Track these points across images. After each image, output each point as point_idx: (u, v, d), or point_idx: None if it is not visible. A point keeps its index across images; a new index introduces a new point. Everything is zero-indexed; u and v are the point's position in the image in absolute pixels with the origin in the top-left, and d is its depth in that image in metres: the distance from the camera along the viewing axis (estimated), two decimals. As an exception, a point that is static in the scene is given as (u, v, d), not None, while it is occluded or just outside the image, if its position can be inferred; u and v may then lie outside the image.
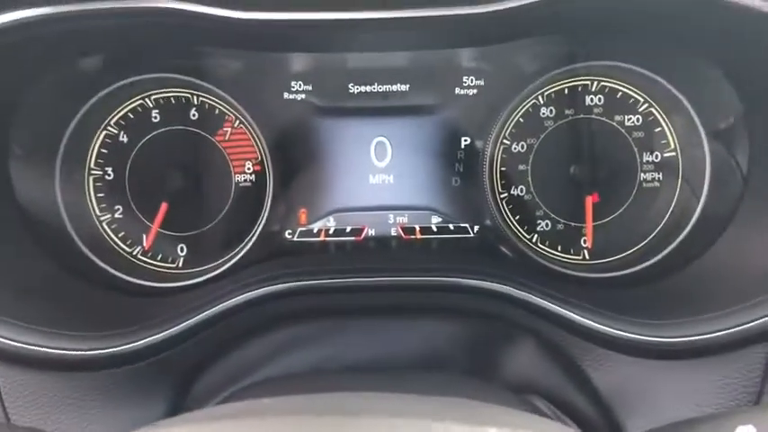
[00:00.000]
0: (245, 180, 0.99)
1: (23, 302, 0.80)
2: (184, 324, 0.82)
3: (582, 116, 0.99)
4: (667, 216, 0.98)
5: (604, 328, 0.79)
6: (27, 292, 0.82)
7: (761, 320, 0.74)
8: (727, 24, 0.75)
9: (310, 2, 0.74)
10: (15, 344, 0.75)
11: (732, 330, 0.75)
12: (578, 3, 0.77)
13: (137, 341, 0.78)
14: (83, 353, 0.76)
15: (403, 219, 1.03)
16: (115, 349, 0.78)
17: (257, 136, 0.98)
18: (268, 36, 0.81)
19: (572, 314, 0.81)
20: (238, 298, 0.84)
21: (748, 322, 0.75)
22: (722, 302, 0.79)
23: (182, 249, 1.00)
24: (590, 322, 0.79)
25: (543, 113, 0.99)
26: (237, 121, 0.98)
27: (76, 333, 0.78)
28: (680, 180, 0.98)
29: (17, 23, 0.71)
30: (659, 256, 0.97)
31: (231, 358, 0.83)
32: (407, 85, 1.00)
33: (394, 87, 1.00)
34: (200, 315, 0.83)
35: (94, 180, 0.98)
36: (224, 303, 0.83)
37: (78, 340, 0.77)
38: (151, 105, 0.98)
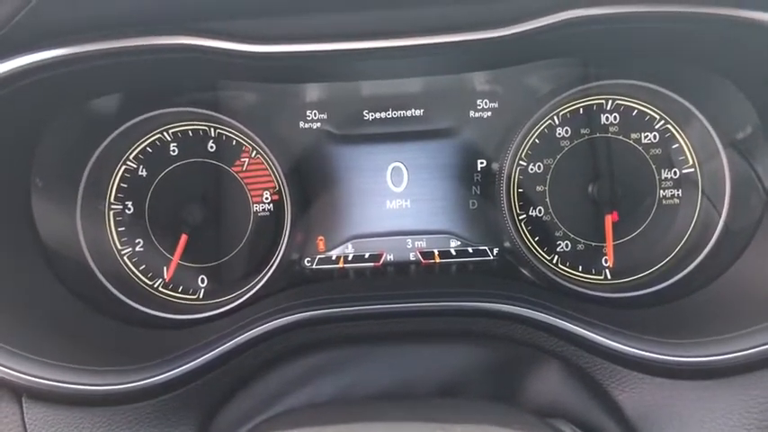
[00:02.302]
0: (264, 209, 1.01)
1: (47, 339, 0.80)
2: (207, 356, 0.81)
3: (598, 135, 0.99)
4: (689, 233, 0.98)
5: (629, 349, 0.78)
6: (51, 329, 0.83)
7: None
8: (740, 39, 0.75)
9: (324, 34, 0.75)
10: (39, 380, 0.75)
11: (760, 349, 0.73)
12: (584, 26, 0.77)
13: (159, 375, 0.78)
14: (106, 388, 0.76)
15: (421, 243, 1.03)
16: (138, 384, 0.78)
17: (274, 165, 0.99)
18: (285, 67, 0.82)
19: (596, 336, 0.80)
20: (260, 328, 0.84)
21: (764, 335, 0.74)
22: (747, 320, 0.78)
23: (202, 281, 1.00)
24: (614, 344, 0.79)
25: (559, 134, 0.99)
26: (254, 152, 1.00)
27: (100, 368, 0.78)
28: (700, 196, 0.98)
29: (40, 64, 0.73)
30: (682, 274, 0.96)
31: (254, 389, 0.82)
32: (422, 110, 1.01)
33: (408, 113, 1.02)
34: (222, 347, 0.82)
35: (115, 214, 1.00)
36: (245, 334, 0.83)
37: (101, 375, 0.77)
38: (169, 139, 1.00)
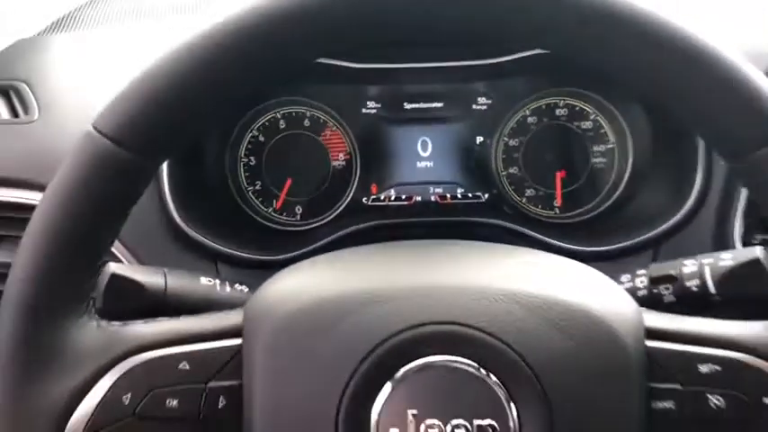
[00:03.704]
0: (339, 165, 1.36)
1: (222, 235, 1.22)
2: (307, 249, 1.21)
3: (554, 122, 1.33)
4: (609, 185, 1.34)
5: (561, 244, 1.18)
6: (220, 231, 1.22)
7: (647, 236, 1.14)
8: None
9: (402, 56, 1.20)
10: (224, 249, 1.16)
11: (632, 242, 1.14)
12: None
13: (288, 254, 1.18)
14: (262, 258, 1.17)
15: (439, 190, 1.35)
16: (276, 257, 1.18)
17: (348, 136, 1.34)
18: (368, 75, 1.25)
19: (543, 237, 1.20)
20: (339, 233, 1.25)
21: (641, 235, 1.15)
22: (630, 229, 1.21)
23: (299, 209, 1.37)
24: (553, 241, 1.18)
25: (529, 121, 1.33)
26: (334, 127, 1.34)
27: (252, 248, 1.23)
28: (616, 162, 1.33)
29: None
30: (603, 207, 1.35)
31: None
32: (441, 104, 1.33)
33: (433, 105, 1.33)
34: (316, 245, 1.22)
35: (243, 165, 1.35)
36: (329, 238, 1.24)
37: (257, 252, 1.21)
38: (279, 117, 1.35)
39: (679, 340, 0.69)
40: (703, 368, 0.69)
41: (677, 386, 0.69)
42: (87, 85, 1.22)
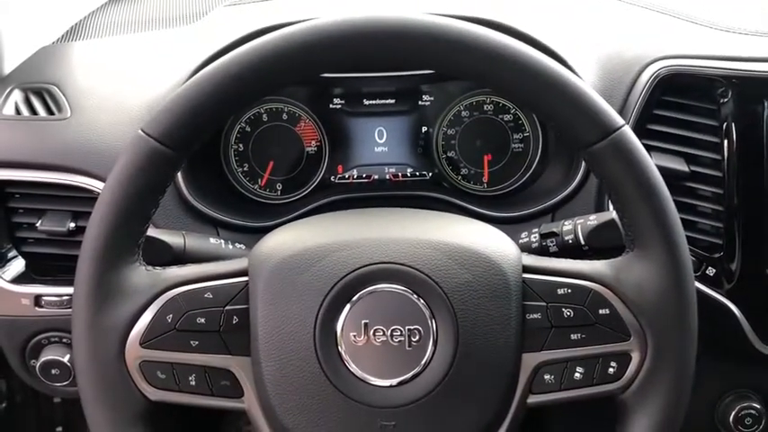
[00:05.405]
0: (312, 150, 1.52)
1: (219, 206, 1.37)
2: (287, 218, 1.35)
3: (482, 115, 1.50)
4: (524, 165, 1.53)
5: (482, 210, 1.37)
6: (217, 203, 1.38)
7: (546, 204, 1.34)
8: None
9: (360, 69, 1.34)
10: (221, 216, 1.33)
11: (536, 209, 1.34)
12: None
13: (272, 221, 1.35)
14: (250, 224, 1.34)
15: (392, 170, 1.52)
16: (263, 224, 1.34)
17: (318, 127, 1.50)
18: (334, 81, 1.44)
19: (474, 207, 1.38)
20: (312, 205, 1.42)
21: (543, 203, 1.35)
22: (537, 199, 1.37)
23: (279, 186, 1.53)
24: (481, 210, 1.37)
25: (463, 114, 1.50)
26: (308, 120, 1.50)
27: (244, 216, 1.38)
28: (531, 147, 1.51)
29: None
30: (519, 183, 1.53)
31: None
32: (394, 100, 1.49)
33: (386, 101, 1.49)
34: (293, 214, 1.38)
35: (234, 151, 1.51)
36: (304, 209, 1.41)
37: (248, 220, 1.36)
38: (263, 112, 1.49)
39: (545, 273, 0.94)
40: (560, 291, 0.93)
41: (543, 303, 0.93)
42: (109, 87, 1.40)
